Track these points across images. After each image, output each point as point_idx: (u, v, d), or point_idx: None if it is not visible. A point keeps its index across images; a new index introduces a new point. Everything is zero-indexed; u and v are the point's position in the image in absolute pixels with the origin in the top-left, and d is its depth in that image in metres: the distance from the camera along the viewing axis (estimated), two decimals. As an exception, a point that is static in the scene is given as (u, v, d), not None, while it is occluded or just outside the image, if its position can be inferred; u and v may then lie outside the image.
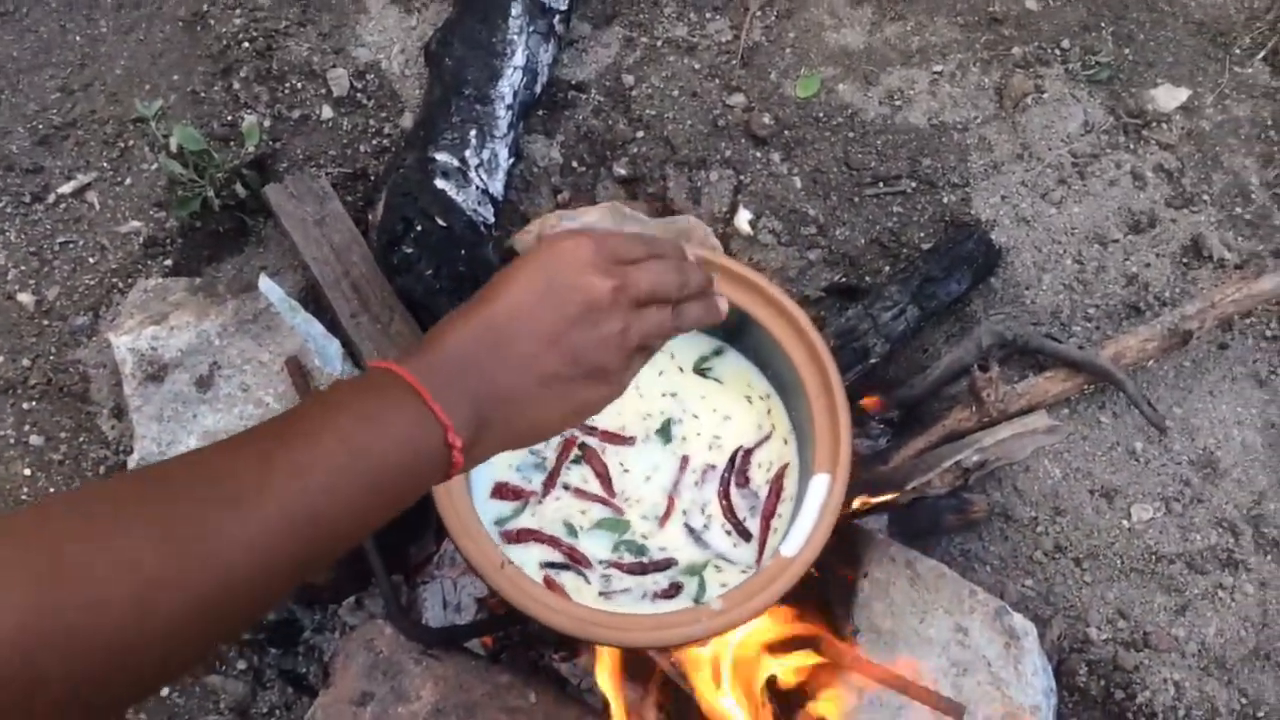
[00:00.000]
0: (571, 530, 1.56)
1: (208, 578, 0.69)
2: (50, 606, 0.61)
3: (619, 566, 1.54)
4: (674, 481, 1.60)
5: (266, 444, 0.76)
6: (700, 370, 1.67)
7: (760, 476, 1.60)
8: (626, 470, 1.61)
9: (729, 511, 1.57)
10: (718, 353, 1.68)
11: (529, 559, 1.53)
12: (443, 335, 0.89)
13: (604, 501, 1.58)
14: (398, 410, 0.82)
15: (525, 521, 1.56)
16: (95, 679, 0.63)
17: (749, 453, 1.61)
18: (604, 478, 1.60)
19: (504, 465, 1.60)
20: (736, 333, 1.65)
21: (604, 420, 1.63)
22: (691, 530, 1.57)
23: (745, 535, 1.56)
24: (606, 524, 1.57)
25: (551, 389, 0.90)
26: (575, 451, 1.61)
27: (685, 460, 1.61)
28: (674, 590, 1.53)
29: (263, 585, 0.72)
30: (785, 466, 1.60)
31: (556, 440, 1.61)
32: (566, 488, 1.59)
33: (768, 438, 1.63)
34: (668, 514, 1.57)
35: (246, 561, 0.71)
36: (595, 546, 1.55)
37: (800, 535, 1.48)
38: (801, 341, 1.57)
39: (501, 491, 1.58)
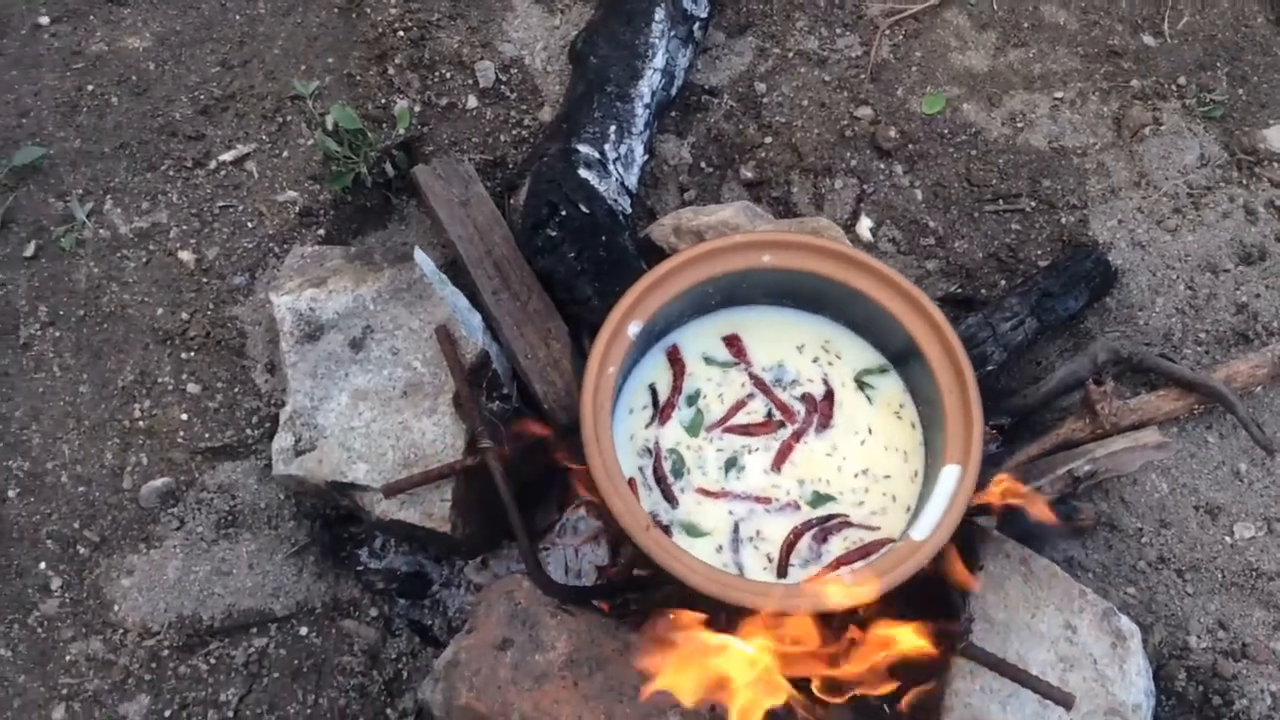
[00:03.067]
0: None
1: None
2: None
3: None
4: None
5: None
6: (859, 382, 1.76)
7: (837, 546, 1.67)
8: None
9: (786, 548, 1.65)
10: (882, 370, 1.77)
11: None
12: None
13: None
14: None
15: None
16: None
17: (845, 524, 1.68)
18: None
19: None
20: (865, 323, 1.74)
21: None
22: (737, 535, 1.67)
23: (781, 572, 1.65)
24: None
25: None
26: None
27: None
28: None
29: None
30: (873, 543, 1.67)
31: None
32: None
33: (883, 510, 1.69)
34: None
35: None
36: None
37: (930, 520, 1.57)
38: (938, 339, 1.66)
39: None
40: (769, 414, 1.74)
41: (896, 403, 1.75)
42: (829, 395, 1.75)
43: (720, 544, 1.65)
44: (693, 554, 1.55)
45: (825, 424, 1.73)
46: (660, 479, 1.69)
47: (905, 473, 1.71)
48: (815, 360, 1.78)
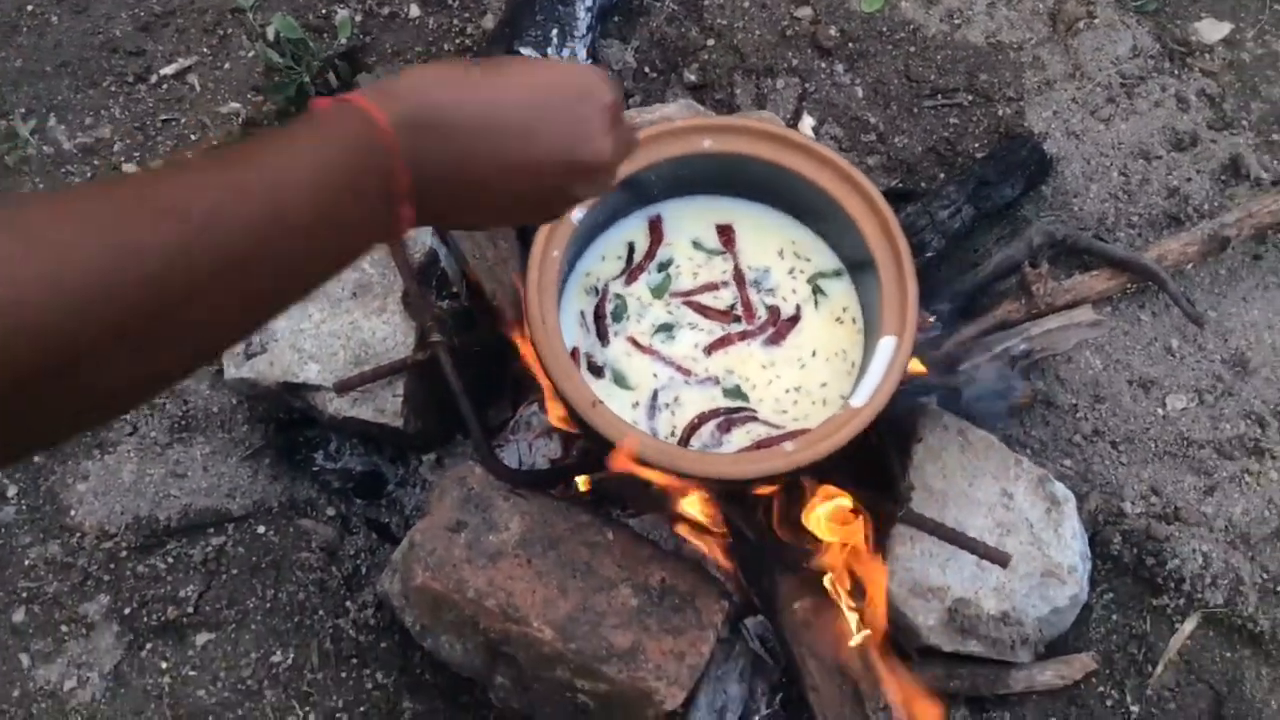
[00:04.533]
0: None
1: (214, 240, 0.64)
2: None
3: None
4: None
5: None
6: (814, 286, 1.78)
7: (739, 438, 1.67)
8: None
9: (689, 428, 1.67)
10: (837, 273, 1.79)
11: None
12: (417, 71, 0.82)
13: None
14: (336, 117, 0.75)
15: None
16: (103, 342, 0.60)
17: (751, 418, 1.69)
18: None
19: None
20: (812, 211, 1.77)
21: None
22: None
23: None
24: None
25: (538, 142, 0.84)
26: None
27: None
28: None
29: (284, 249, 0.68)
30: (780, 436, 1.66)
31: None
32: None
33: (805, 416, 1.70)
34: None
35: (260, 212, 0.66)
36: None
37: (867, 389, 1.60)
38: (874, 216, 1.69)
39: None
40: (731, 306, 1.76)
41: (840, 307, 1.76)
42: (794, 319, 1.75)
43: (638, 401, 1.68)
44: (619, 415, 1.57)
45: (775, 341, 1.74)
46: (599, 317, 1.73)
47: (842, 370, 1.73)
48: (791, 271, 1.78)
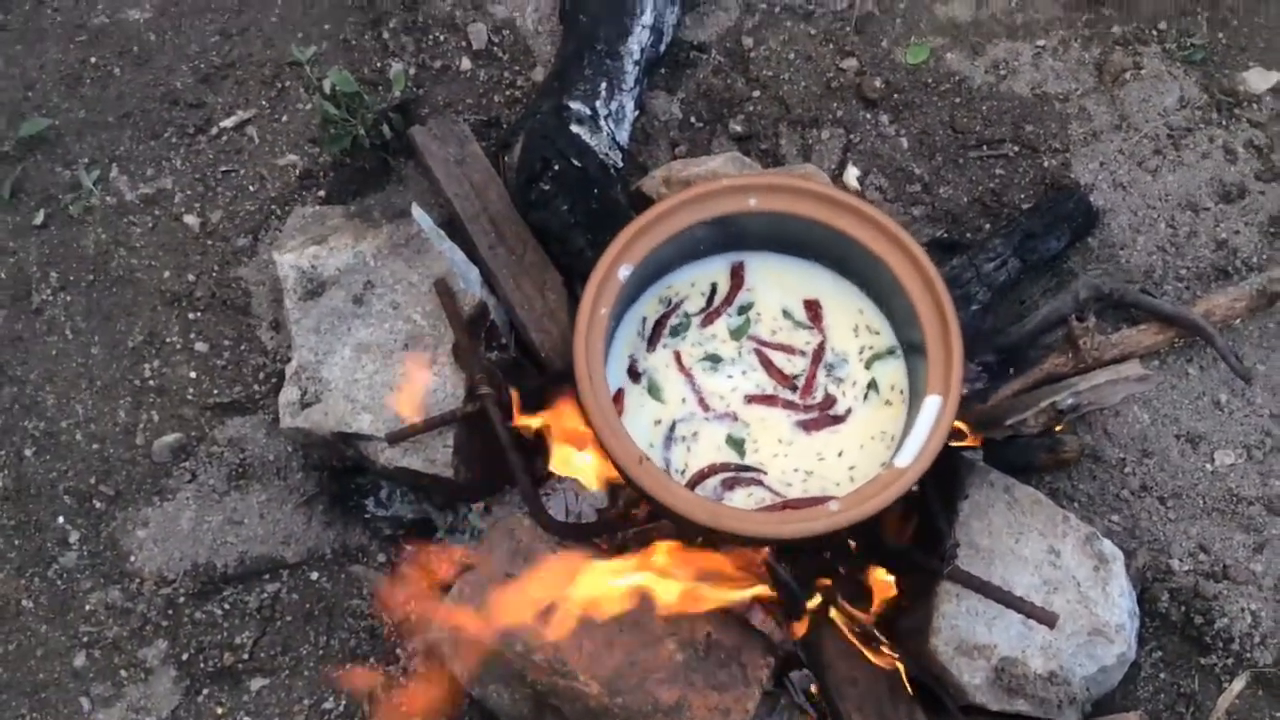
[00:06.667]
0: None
1: None
2: None
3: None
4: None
5: None
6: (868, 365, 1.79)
7: (740, 499, 1.69)
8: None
9: (696, 476, 1.70)
10: (891, 351, 1.79)
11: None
12: None
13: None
14: None
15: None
16: None
17: (756, 482, 1.71)
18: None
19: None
20: (854, 266, 1.79)
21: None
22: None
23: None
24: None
25: None
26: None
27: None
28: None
29: None
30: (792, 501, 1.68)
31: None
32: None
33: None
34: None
35: None
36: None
37: (913, 448, 1.62)
38: (919, 274, 1.70)
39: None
40: (796, 379, 1.78)
41: (889, 386, 1.76)
42: (837, 419, 1.74)
43: (660, 419, 1.74)
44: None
45: (807, 429, 1.75)
46: (659, 325, 1.80)
47: (879, 449, 1.72)
48: (861, 352, 1.79)
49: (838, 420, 1.74)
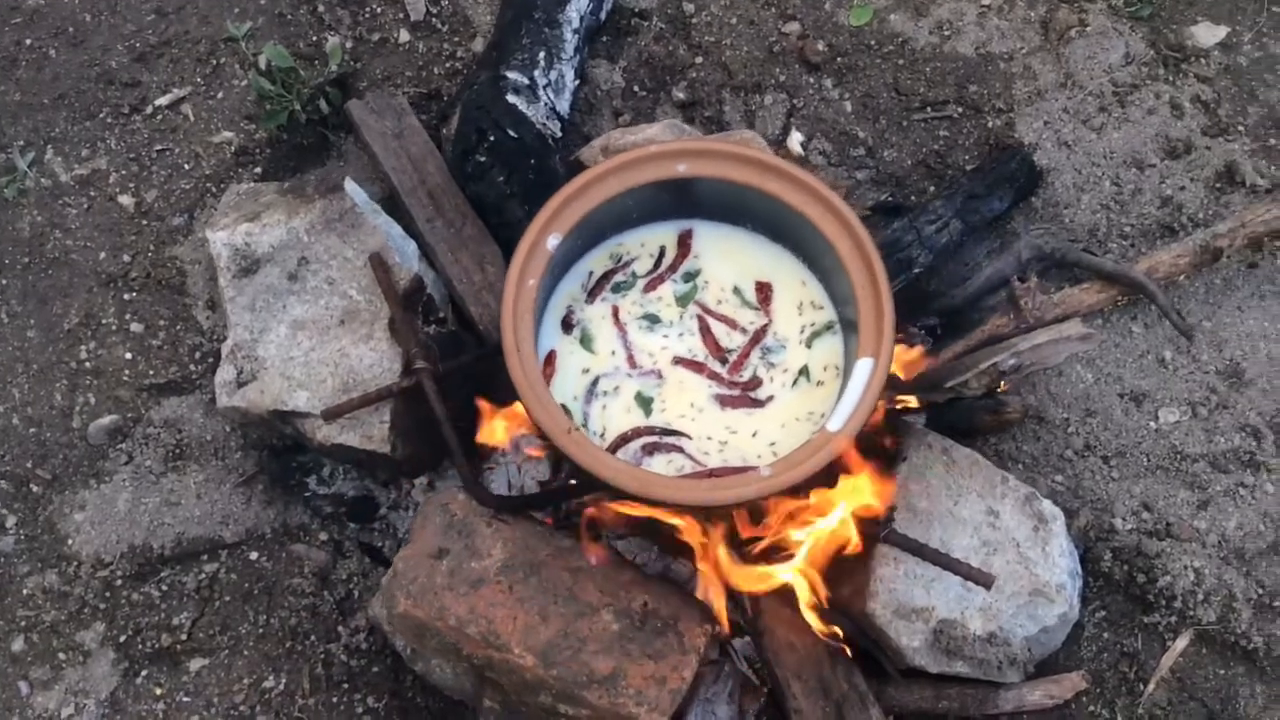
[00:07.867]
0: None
1: None
2: None
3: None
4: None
5: None
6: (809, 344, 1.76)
7: (659, 464, 1.67)
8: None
9: (619, 439, 1.68)
10: (829, 327, 1.76)
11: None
12: None
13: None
14: None
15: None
16: None
17: (677, 448, 1.69)
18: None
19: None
20: (790, 233, 1.76)
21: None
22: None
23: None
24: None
25: None
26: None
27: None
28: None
29: None
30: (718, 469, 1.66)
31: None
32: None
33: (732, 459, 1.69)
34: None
35: None
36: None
37: (844, 412, 1.60)
38: (849, 237, 1.68)
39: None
40: (729, 353, 1.76)
41: (821, 367, 1.73)
42: (756, 403, 1.72)
43: (588, 368, 1.73)
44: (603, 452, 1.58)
45: (721, 404, 1.72)
46: (604, 279, 1.79)
47: (799, 432, 1.70)
48: (801, 331, 1.76)
49: (756, 404, 1.71)
